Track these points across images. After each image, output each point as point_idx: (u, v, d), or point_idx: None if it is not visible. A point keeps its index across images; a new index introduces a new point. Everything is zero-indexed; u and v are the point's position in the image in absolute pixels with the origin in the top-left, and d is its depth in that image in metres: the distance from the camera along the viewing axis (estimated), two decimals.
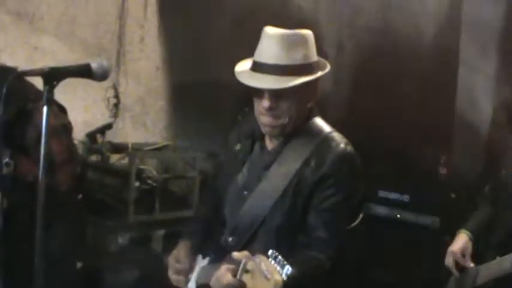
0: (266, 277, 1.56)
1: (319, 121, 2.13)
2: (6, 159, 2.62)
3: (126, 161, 3.95)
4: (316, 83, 2.04)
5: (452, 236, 2.52)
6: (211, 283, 1.85)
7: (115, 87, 4.33)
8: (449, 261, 2.44)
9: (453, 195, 3.24)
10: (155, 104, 4.64)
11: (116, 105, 4.32)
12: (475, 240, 2.44)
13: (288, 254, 1.77)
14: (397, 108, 3.72)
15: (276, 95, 1.96)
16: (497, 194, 2.46)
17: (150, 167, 3.90)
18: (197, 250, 2.21)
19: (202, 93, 4.42)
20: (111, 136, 4.15)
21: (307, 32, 2.05)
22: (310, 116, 2.10)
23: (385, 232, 3.34)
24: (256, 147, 2.17)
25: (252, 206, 2.07)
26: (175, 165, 4.12)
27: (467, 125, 3.59)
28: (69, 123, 2.92)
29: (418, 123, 3.61)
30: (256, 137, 2.16)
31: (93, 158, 3.94)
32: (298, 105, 2.01)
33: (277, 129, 2.04)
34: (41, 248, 1.78)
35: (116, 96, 4.31)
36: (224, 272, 1.75)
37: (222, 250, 2.07)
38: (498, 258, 2.24)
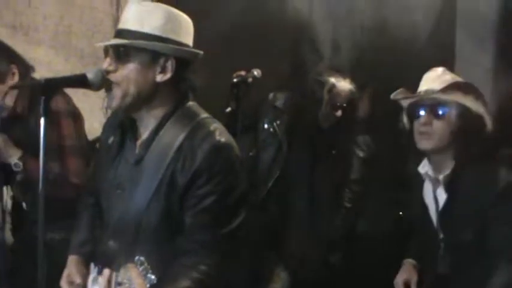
0: None
1: (194, 106, 1.90)
2: (16, 161, 2.59)
3: None
4: (164, 59, 1.82)
5: None
6: None
7: None
8: None
9: None
10: None
11: None
12: (421, 265, 2.42)
13: (171, 261, 1.74)
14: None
15: (116, 58, 1.82)
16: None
17: None
18: (88, 259, 2.02)
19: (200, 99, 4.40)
20: None
21: (177, 13, 1.86)
22: (182, 101, 1.88)
23: None
24: (127, 139, 1.94)
25: (127, 206, 1.85)
26: None
27: None
28: (80, 113, 2.84)
29: None
30: (126, 127, 1.94)
31: None
32: (140, 76, 1.81)
33: (118, 100, 1.83)
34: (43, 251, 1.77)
35: None
36: None
37: (107, 256, 1.89)
38: None
